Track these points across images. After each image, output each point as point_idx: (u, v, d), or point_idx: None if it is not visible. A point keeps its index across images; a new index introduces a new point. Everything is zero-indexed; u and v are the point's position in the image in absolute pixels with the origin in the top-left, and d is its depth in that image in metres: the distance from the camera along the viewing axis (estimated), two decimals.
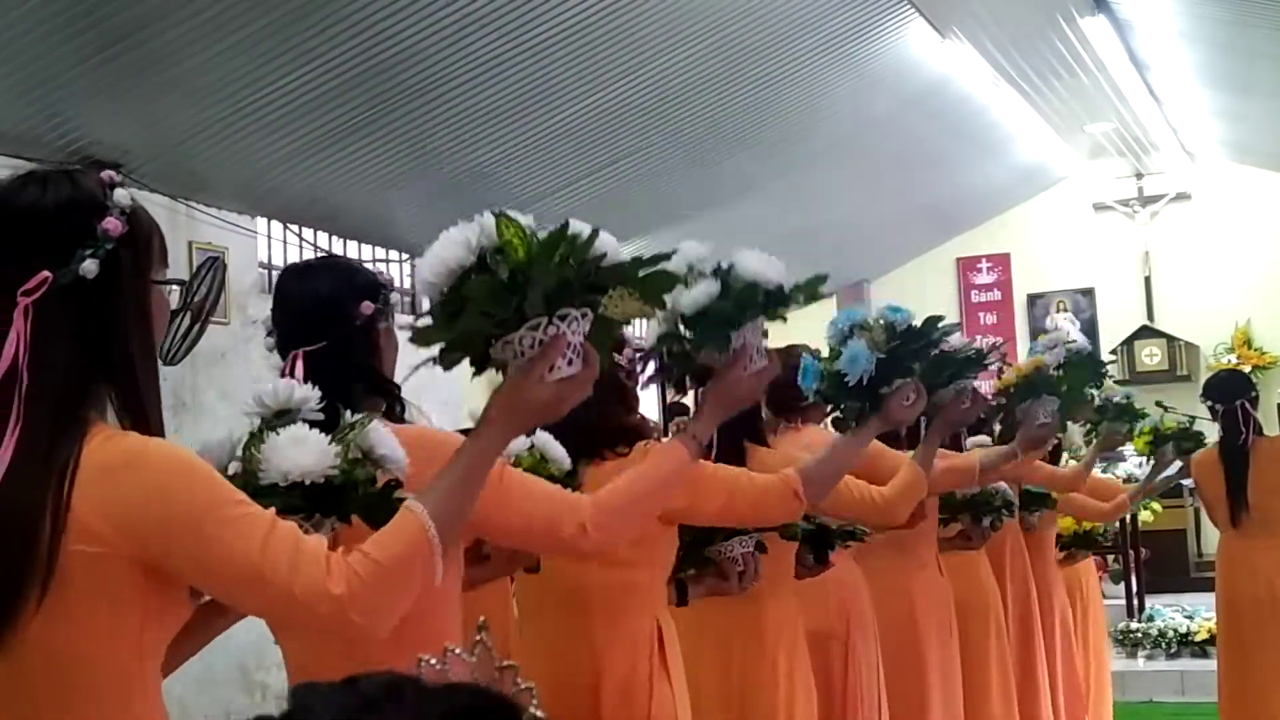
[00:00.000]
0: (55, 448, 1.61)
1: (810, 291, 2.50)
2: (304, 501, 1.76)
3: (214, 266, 7.10)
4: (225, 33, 6.08)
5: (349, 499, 1.76)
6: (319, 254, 8.79)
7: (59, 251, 1.65)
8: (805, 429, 4.08)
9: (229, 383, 7.55)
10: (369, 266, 2.38)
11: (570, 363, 1.71)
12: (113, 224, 1.67)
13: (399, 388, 2.23)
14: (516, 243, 1.64)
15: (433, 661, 1.22)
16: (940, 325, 3.42)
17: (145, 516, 1.60)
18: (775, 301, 2.48)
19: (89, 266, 1.65)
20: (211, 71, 6.37)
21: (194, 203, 7.46)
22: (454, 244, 1.69)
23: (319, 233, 8.73)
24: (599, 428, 2.75)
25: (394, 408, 2.20)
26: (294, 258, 8.60)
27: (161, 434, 1.72)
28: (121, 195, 1.71)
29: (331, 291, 2.23)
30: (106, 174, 1.74)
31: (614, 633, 2.78)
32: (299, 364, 2.14)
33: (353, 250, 9.06)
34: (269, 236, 8.34)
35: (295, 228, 8.51)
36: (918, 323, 3.35)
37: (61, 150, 6.56)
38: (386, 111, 7.28)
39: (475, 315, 1.64)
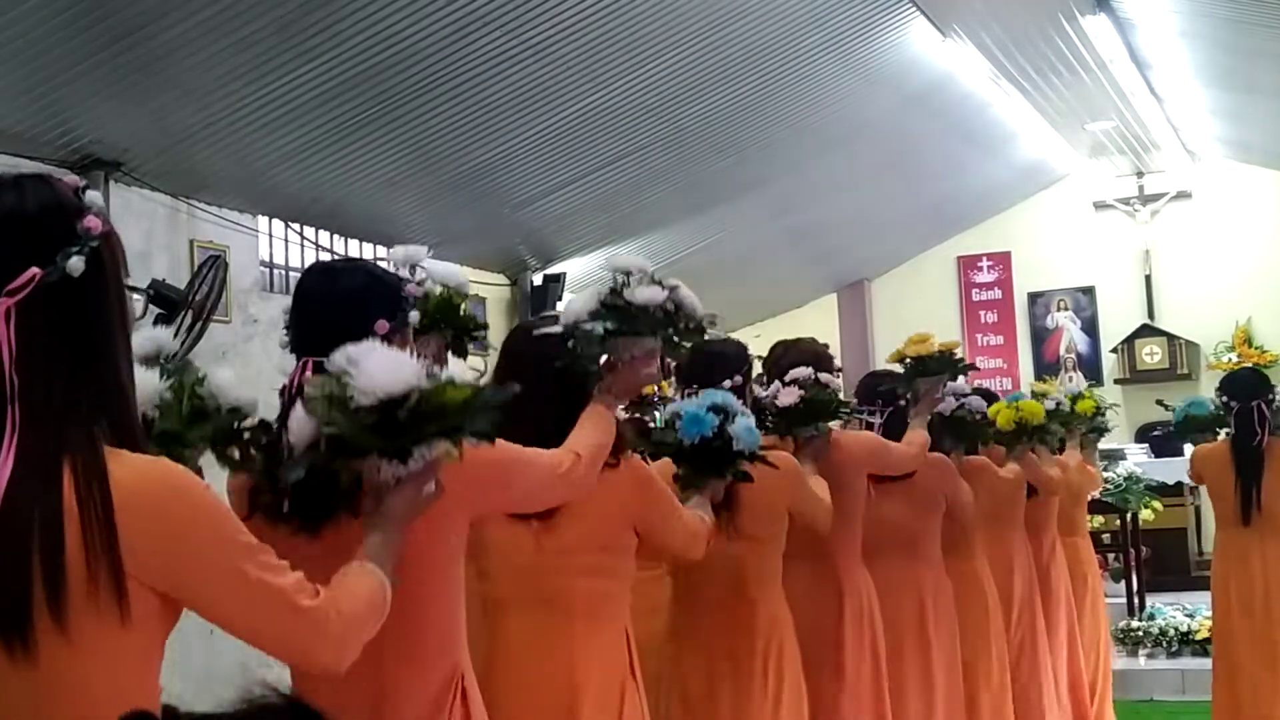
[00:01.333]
0: (67, 454, 1.57)
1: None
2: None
3: (215, 265, 7.08)
4: (226, 31, 6.09)
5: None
6: (320, 252, 8.80)
7: (43, 253, 1.62)
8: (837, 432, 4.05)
9: None
10: (393, 272, 2.37)
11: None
12: (94, 222, 1.65)
13: None
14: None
15: None
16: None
17: (179, 551, 1.62)
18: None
19: (76, 264, 1.62)
20: (212, 70, 6.38)
21: (195, 201, 7.46)
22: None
23: (320, 231, 8.73)
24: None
25: None
26: (295, 256, 8.61)
27: (146, 438, 1.70)
28: (94, 196, 1.70)
29: (350, 303, 2.23)
30: (71, 179, 1.72)
31: (593, 638, 2.82)
32: (309, 372, 2.16)
33: (354, 249, 9.06)
34: (270, 235, 8.34)
35: (296, 226, 8.51)
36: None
37: (62, 149, 6.56)
38: (387, 110, 7.29)
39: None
